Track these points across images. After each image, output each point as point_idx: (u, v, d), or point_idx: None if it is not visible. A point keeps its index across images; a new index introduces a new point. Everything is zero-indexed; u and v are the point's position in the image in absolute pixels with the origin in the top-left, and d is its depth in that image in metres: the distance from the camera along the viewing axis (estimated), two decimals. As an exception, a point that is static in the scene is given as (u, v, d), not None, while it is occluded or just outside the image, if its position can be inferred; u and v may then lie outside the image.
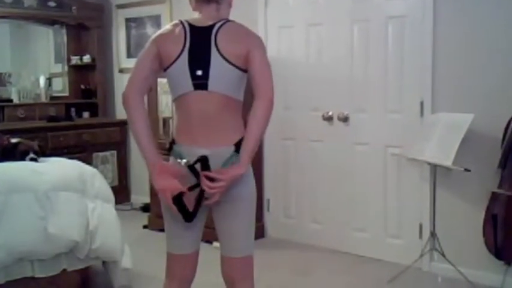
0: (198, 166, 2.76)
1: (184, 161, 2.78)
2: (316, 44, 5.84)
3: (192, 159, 2.78)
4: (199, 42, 2.77)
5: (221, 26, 2.79)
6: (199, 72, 2.75)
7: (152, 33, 7.34)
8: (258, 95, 2.73)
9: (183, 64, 2.77)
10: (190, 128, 2.82)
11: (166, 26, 2.92)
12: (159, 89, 6.33)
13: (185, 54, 2.77)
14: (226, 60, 2.74)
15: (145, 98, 2.84)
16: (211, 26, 2.79)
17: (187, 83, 2.78)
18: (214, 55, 2.74)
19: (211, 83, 2.76)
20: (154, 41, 2.85)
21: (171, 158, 2.89)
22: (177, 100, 2.87)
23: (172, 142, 2.89)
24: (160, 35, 2.86)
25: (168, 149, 2.88)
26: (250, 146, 2.73)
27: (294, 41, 6.01)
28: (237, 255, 2.93)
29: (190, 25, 2.82)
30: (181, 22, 2.85)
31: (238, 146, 2.78)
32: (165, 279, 3.05)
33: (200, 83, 2.76)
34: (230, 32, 2.79)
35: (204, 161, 2.72)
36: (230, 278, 2.98)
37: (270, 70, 2.78)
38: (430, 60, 5.02)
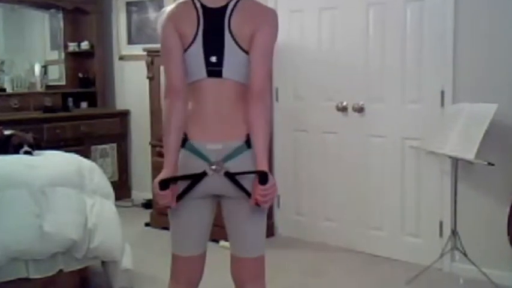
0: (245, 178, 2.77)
1: (222, 169, 2.78)
2: (330, 30, 5.82)
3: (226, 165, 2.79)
4: (213, 26, 2.77)
5: (235, 5, 2.78)
6: (213, 59, 2.76)
7: (155, 18, 7.41)
8: (251, 92, 2.76)
9: (197, 49, 2.77)
10: (203, 119, 2.83)
11: (173, 5, 2.87)
12: (161, 78, 6.33)
13: (199, 39, 2.76)
14: (239, 45, 2.75)
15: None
16: (225, 7, 2.77)
17: (201, 70, 2.78)
18: (227, 40, 2.75)
19: (226, 69, 2.77)
20: (169, 22, 2.80)
21: (183, 152, 2.86)
22: (189, 87, 2.87)
23: (185, 137, 2.87)
24: (173, 15, 2.81)
25: (182, 144, 2.87)
26: (262, 146, 2.75)
27: (305, 26, 5.99)
28: (249, 255, 2.92)
29: (202, 5, 2.80)
30: (192, 0, 2.82)
31: (248, 139, 2.79)
32: (170, 281, 3.04)
33: (214, 70, 2.77)
34: (243, 12, 2.77)
35: (264, 177, 2.70)
36: (240, 279, 2.98)
37: (269, 60, 2.82)
38: (451, 47, 4.99)
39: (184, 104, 2.83)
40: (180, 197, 2.81)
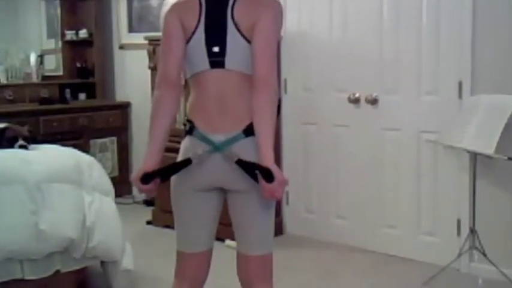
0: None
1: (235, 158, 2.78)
2: (341, 17, 5.80)
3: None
4: (216, 15, 2.80)
5: None
6: (216, 49, 2.80)
7: (157, 5, 7.41)
8: (255, 80, 2.76)
9: (199, 39, 2.81)
10: (206, 112, 2.86)
11: None
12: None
13: (201, 29, 2.81)
14: (242, 34, 2.78)
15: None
16: None
17: (204, 61, 2.83)
18: (230, 29, 2.79)
19: (228, 60, 2.80)
20: (172, 12, 2.86)
21: (190, 138, 2.90)
22: (192, 79, 2.92)
23: (192, 125, 2.90)
24: (177, 4, 2.88)
25: (189, 131, 2.90)
26: (266, 137, 2.73)
27: (315, 14, 5.98)
28: (255, 252, 2.94)
29: None
30: None
31: (247, 128, 2.81)
32: (175, 280, 3.06)
33: (217, 61, 2.81)
34: (247, 1, 2.81)
35: (268, 173, 2.67)
36: (247, 279, 2.99)
37: (272, 48, 2.83)
38: (470, 35, 4.97)
39: (176, 98, 2.90)
40: (164, 179, 2.88)
